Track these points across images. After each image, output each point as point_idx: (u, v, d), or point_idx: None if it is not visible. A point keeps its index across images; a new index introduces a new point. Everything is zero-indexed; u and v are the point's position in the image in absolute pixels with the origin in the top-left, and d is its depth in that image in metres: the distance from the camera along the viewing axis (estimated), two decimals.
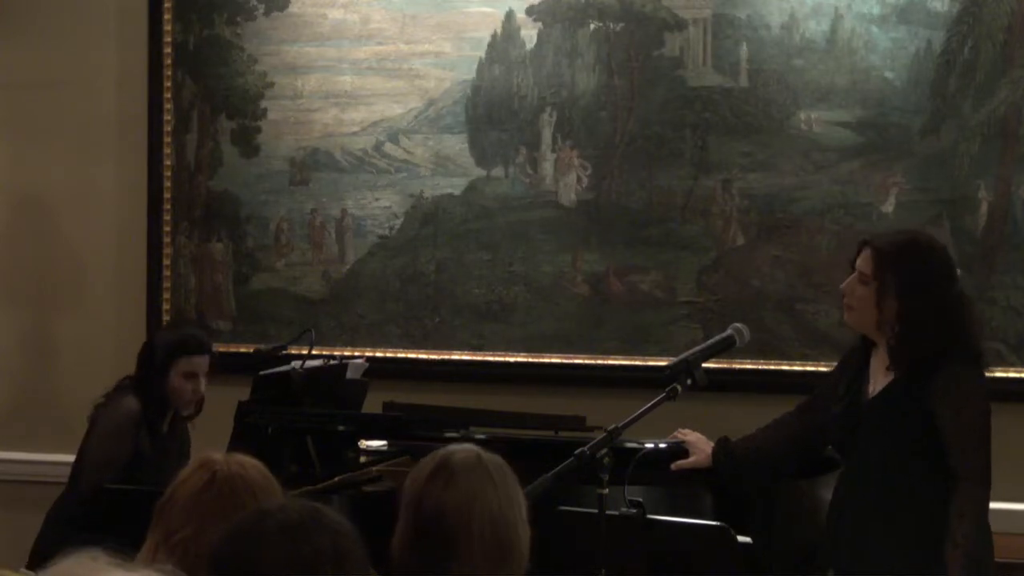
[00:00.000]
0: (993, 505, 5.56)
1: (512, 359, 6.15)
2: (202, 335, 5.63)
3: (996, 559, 4.94)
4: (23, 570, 3.70)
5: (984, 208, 5.70)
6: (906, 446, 4.43)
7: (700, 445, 4.87)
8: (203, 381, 5.47)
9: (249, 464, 3.09)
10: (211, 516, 2.94)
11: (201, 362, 5.46)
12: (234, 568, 2.42)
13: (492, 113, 6.19)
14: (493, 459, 3.04)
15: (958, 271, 4.70)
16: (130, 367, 5.49)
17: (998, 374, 5.60)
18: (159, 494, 3.11)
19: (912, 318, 4.41)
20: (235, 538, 2.49)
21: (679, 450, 4.91)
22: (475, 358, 6.19)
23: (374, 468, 5.16)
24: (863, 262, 4.52)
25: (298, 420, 5.30)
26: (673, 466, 4.84)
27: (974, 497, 4.37)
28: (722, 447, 4.84)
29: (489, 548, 2.72)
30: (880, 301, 4.45)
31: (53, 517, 5.38)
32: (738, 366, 5.67)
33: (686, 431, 4.94)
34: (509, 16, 6.16)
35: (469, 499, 2.94)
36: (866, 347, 4.61)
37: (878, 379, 4.55)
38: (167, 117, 6.52)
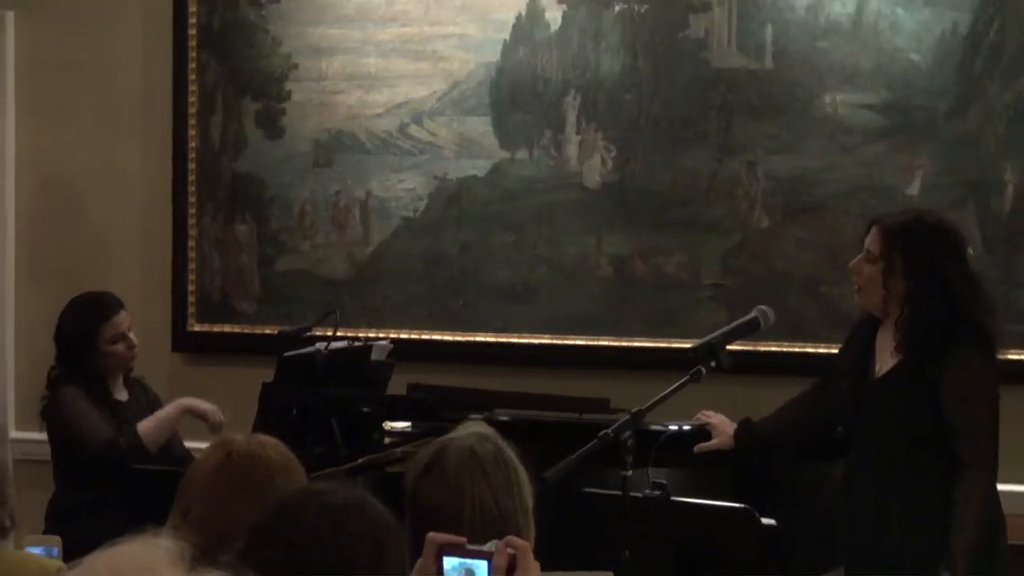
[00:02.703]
0: (1014, 488, 5.57)
1: (536, 341, 6.15)
2: (110, 294, 5.54)
3: (1013, 541, 4.93)
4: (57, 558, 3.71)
5: (1010, 191, 5.68)
6: (911, 428, 4.41)
7: (723, 427, 4.87)
8: (132, 336, 5.43)
9: (269, 444, 3.09)
10: (226, 494, 2.96)
11: (121, 320, 5.41)
12: (272, 540, 2.45)
13: (516, 95, 6.19)
14: (489, 450, 3.02)
15: (970, 251, 4.67)
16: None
17: (1023, 357, 5.59)
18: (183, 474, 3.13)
19: (918, 298, 4.38)
20: (278, 511, 2.52)
21: (703, 432, 4.92)
22: (499, 340, 6.19)
23: (398, 449, 5.16)
24: (871, 241, 4.50)
25: (323, 402, 5.31)
26: (696, 448, 4.85)
27: (981, 483, 4.35)
28: (744, 429, 4.84)
29: (482, 540, 2.73)
30: (887, 281, 4.42)
31: (53, 513, 5.36)
32: (763, 348, 5.66)
33: (709, 413, 4.94)
34: None
35: (458, 495, 2.94)
36: (872, 323, 4.59)
37: (884, 358, 4.52)
38: (192, 99, 6.52)
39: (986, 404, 4.41)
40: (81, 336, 5.39)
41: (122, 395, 5.50)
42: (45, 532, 5.23)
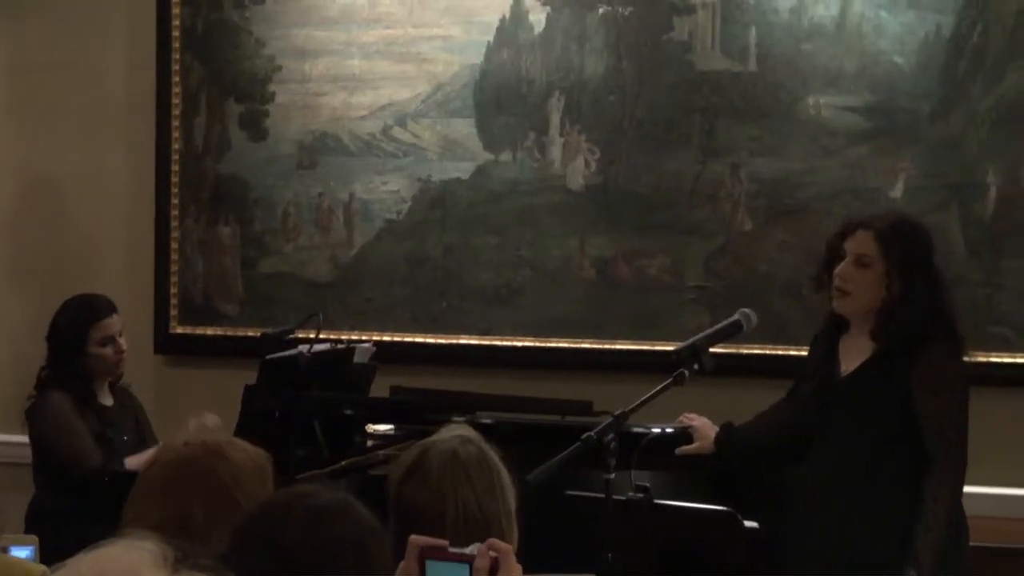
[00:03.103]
0: (1000, 491, 5.58)
1: (519, 343, 6.15)
2: (104, 297, 5.54)
3: (1006, 544, 4.95)
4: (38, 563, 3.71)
5: (993, 193, 5.69)
6: (879, 426, 4.42)
7: (705, 431, 4.87)
8: (122, 341, 5.44)
9: (236, 444, 3.08)
10: (175, 486, 2.96)
11: (112, 323, 5.43)
12: (257, 542, 2.44)
13: (500, 97, 6.19)
14: (472, 453, 3.02)
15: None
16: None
17: (1006, 360, 5.61)
18: None
19: (912, 296, 4.40)
20: (262, 514, 2.52)
21: (685, 435, 4.91)
22: (482, 342, 6.19)
23: (381, 452, 5.16)
24: (861, 244, 4.48)
25: (305, 404, 5.30)
26: (677, 451, 4.85)
27: (949, 482, 4.35)
28: (725, 433, 4.84)
29: (465, 543, 2.74)
30: (888, 283, 4.43)
31: (33, 516, 5.34)
32: (746, 351, 5.66)
33: (692, 415, 4.93)
34: (518, 0, 6.15)
35: (440, 498, 2.94)
36: (837, 330, 4.60)
37: (851, 358, 4.53)
38: (175, 100, 6.52)
39: (956, 401, 4.42)
40: (71, 336, 5.39)
41: (107, 400, 5.49)
42: (25, 533, 5.22)
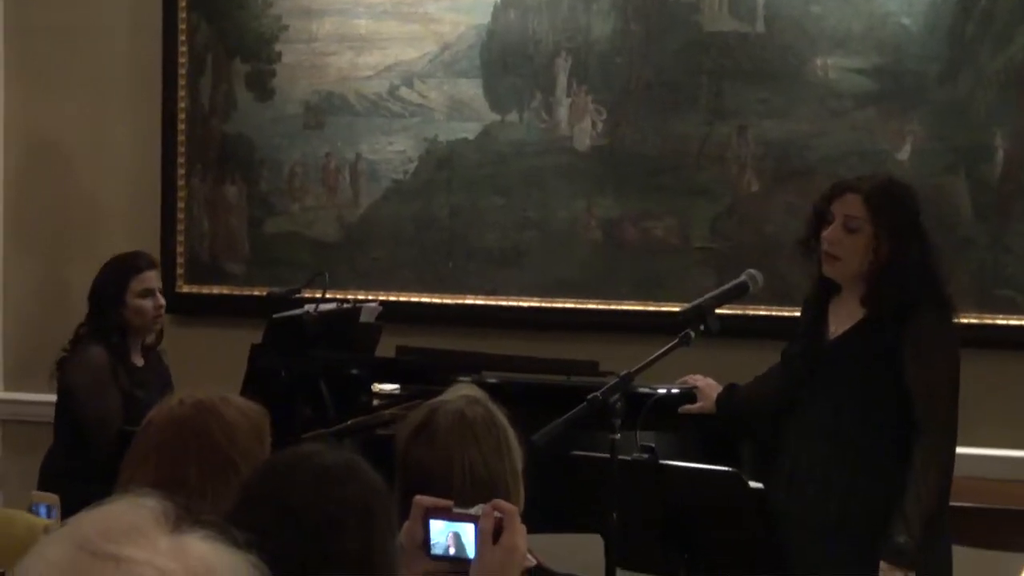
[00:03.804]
0: (1007, 452, 5.60)
1: (526, 304, 6.15)
2: (146, 253, 5.65)
3: (999, 506, 4.94)
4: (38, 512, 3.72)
5: (1000, 156, 5.67)
6: (865, 391, 4.38)
7: (709, 391, 4.87)
8: (161, 297, 5.49)
9: (234, 402, 3.08)
10: (172, 445, 2.97)
11: (152, 276, 5.51)
12: (263, 501, 2.45)
13: (507, 58, 6.17)
14: (479, 414, 3.03)
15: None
16: None
17: (1013, 322, 5.61)
18: None
19: (902, 260, 4.36)
20: (268, 473, 2.53)
21: (691, 396, 4.92)
22: (488, 303, 6.19)
23: (387, 411, 5.17)
24: (849, 207, 4.43)
25: (311, 364, 5.31)
26: (680, 409, 4.85)
27: (939, 450, 4.31)
28: (727, 393, 4.83)
29: (471, 503, 2.74)
30: (877, 246, 4.39)
31: (47, 472, 5.39)
32: (752, 312, 5.65)
33: (697, 377, 4.93)
34: None
35: (448, 458, 2.95)
36: (827, 292, 4.57)
37: (840, 322, 4.50)
38: (181, 60, 6.51)
39: (946, 370, 4.38)
40: (111, 288, 5.47)
41: (139, 361, 5.52)
42: (39, 489, 5.25)
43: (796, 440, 4.52)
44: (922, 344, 4.34)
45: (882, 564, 4.27)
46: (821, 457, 4.44)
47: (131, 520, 1.51)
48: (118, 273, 5.49)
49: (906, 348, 4.34)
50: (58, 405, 5.49)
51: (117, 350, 5.43)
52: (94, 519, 1.52)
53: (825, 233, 4.48)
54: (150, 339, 5.61)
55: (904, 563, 4.26)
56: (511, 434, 3.05)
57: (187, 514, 1.54)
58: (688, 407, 4.86)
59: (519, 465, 3.04)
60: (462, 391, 3.15)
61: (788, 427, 4.55)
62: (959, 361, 4.43)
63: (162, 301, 5.52)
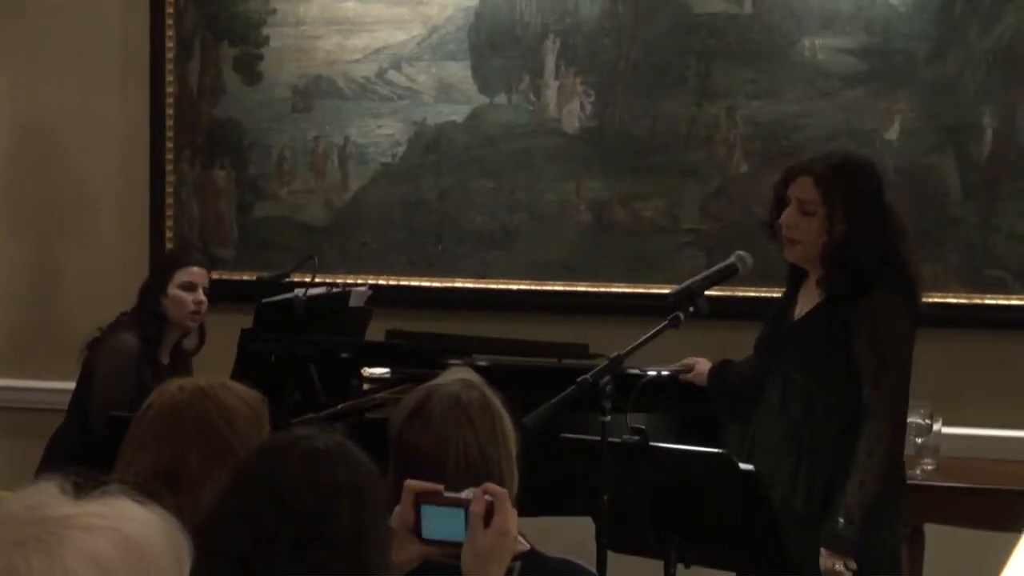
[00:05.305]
0: (996, 432, 5.60)
1: (515, 287, 6.15)
2: (200, 249, 5.78)
3: (989, 486, 4.93)
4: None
5: (989, 135, 5.67)
6: (819, 373, 4.36)
7: (701, 366, 4.87)
8: (203, 295, 5.47)
9: (233, 388, 3.09)
10: (171, 431, 2.97)
11: (199, 273, 5.50)
12: (255, 482, 2.45)
13: (495, 40, 6.16)
14: (475, 398, 3.02)
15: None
16: (133, 295, 5.50)
17: (1001, 302, 5.61)
18: None
19: (859, 238, 4.29)
20: (259, 456, 2.53)
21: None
22: (478, 286, 6.19)
23: (377, 395, 5.17)
24: (802, 190, 4.39)
25: (301, 348, 5.30)
26: (680, 377, 4.85)
27: (882, 435, 4.26)
28: (717, 368, 4.83)
29: (465, 488, 2.74)
30: (831, 227, 4.33)
31: (52, 450, 5.39)
32: (741, 294, 5.65)
33: (700, 359, 4.91)
34: None
35: (442, 442, 2.93)
36: (798, 278, 4.56)
37: (804, 304, 4.48)
38: (169, 44, 6.49)
39: (896, 350, 4.32)
40: (156, 276, 5.54)
41: (165, 358, 5.51)
42: (42, 462, 5.26)
43: (757, 425, 4.52)
44: (871, 324, 4.28)
45: (822, 551, 4.25)
46: (771, 442, 4.43)
47: (34, 500, 1.57)
48: (166, 263, 5.60)
49: (854, 329, 4.30)
50: (78, 384, 5.48)
51: (150, 341, 5.42)
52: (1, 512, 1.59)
53: (782, 217, 4.45)
54: (191, 343, 5.61)
55: (843, 549, 4.23)
56: (507, 419, 3.05)
57: (86, 483, 1.60)
58: (685, 375, 4.85)
59: (513, 450, 3.03)
60: (458, 375, 3.14)
61: (756, 411, 4.54)
62: (911, 344, 4.36)
63: (203, 298, 5.49)
